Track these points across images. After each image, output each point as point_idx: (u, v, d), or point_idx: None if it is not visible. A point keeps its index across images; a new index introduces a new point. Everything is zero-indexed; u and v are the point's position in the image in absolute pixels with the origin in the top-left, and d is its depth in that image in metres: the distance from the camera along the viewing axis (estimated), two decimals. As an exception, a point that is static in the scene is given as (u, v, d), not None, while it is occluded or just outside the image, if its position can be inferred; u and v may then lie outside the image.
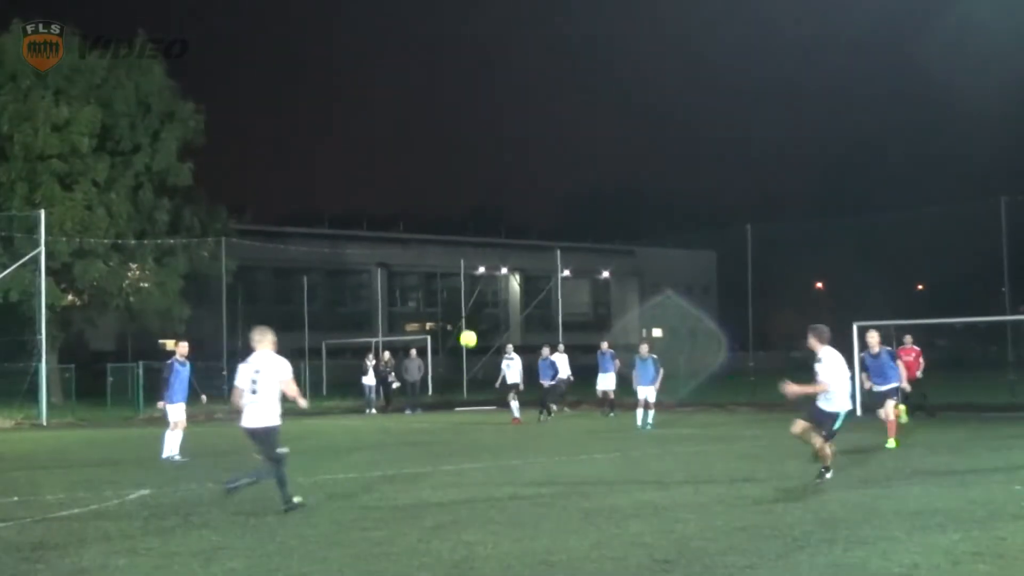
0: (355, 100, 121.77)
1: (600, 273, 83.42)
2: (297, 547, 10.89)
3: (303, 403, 13.75)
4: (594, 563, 9.87)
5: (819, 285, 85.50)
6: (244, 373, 13.32)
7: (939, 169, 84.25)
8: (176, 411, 20.79)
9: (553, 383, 31.91)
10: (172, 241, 47.13)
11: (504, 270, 75.44)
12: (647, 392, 26.93)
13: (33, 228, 38.67)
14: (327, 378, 50.50)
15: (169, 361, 21.15)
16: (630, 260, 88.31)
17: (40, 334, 36.90)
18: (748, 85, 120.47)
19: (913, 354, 29.14)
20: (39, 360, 36.50)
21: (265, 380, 13.18)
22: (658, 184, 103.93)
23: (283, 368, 13.28)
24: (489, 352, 50.16)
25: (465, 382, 48.14)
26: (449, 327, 61.88)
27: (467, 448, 23.23)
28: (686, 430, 26.67)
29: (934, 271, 73.47)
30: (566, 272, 55.61)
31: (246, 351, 14.03)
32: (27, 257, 38.71)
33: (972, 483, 14.83)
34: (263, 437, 13.18)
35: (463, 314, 52.83)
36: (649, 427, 26.44)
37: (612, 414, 32.54)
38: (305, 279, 55.54)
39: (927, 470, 16.42)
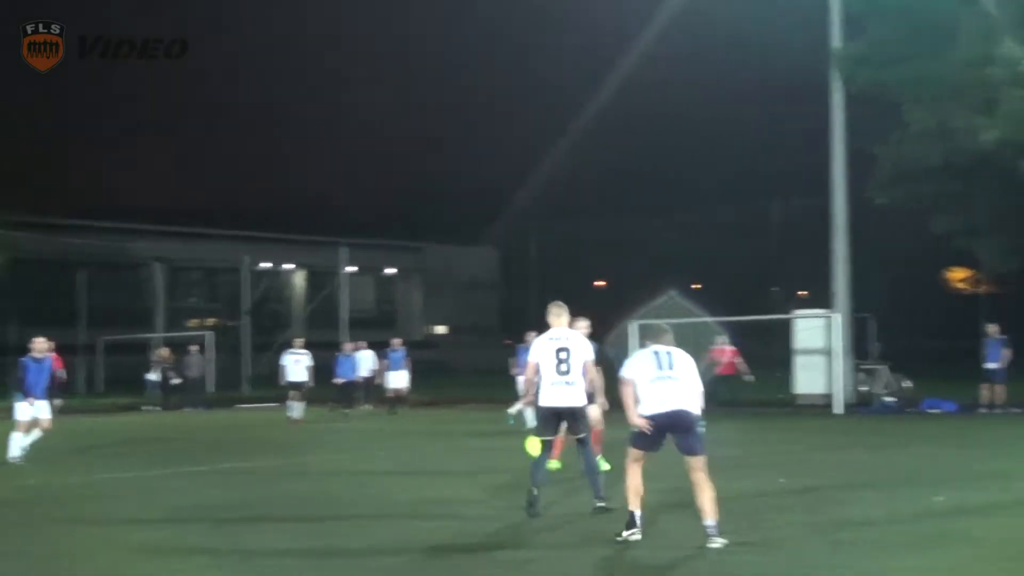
0: (137, 92, 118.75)
1: (385, 269, 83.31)
2: (67, 550, 10.59)
3: None
4: (376, 555, 9.90)
5: (600, 283, 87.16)
6: None
7: (713, 172, 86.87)
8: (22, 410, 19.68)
9: (352, 380, 31.53)
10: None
11: (288, 265, 74.68)
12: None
13: None
14: (105, 375, 49.16)
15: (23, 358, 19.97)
16: (415, 257, 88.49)
17: None
18: (532, 87, 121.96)
19: (727, 354, 30.06)
20: None
21: None
22: (444, 182, 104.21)
23: None
24: (272, 348, 49.58)
25: (247, 379, 47.47)
26: (231, 323, 60.91)
27: (248, 446, 22.95)
28: (468, 425, 26.90)
29: (709, 270, 75.79)
30: (351, 268, 55.37)
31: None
32: None
33: (741, 476, 15.37)
34: None
35: (245, 309, 52.08)
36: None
37: (395, 412, 32.24)
38: (82, 274, 53.85)
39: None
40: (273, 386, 33.90)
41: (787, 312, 38.01)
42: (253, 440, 24.53)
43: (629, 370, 10.75)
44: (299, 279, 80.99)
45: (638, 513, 10.44)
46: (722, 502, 12.41)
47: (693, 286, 73.85)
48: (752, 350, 30.66)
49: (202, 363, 39.28)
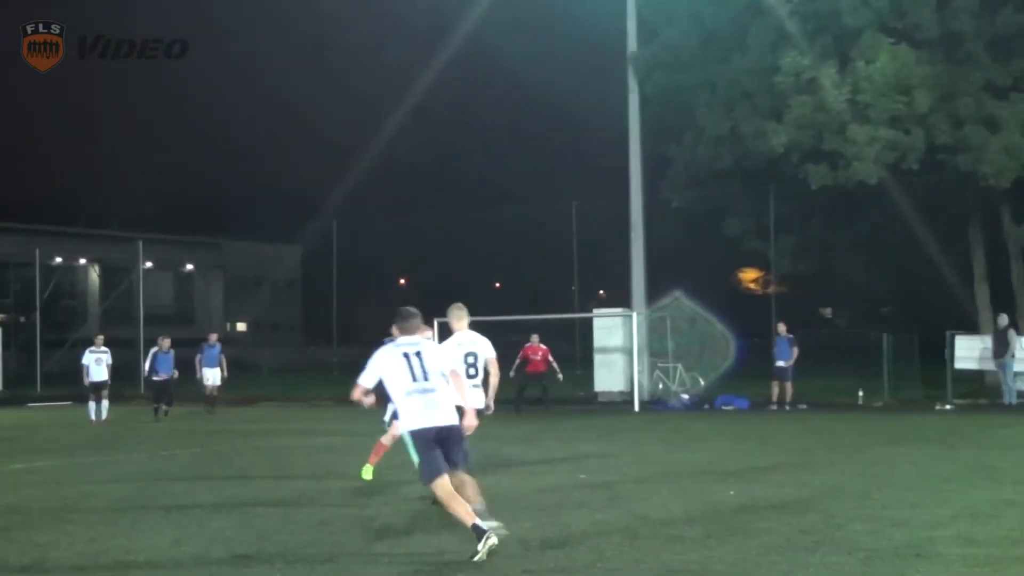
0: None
1: (184, 266, 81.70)
2: None
3: None
4: (173, 560, 9.78)
5: (403, 281, 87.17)
6: None
7: (515, 172, 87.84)
8: None
9: (169, 378, 29.61)
10: None
11: (83, 261, 72.57)
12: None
13: None
14: None
15: None
16: (215, 253, 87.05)
17: None
18: (341, 86, 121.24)
19: (540, 353, 30.38)
20: None
21: None
22: (244, 177, 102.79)
23: None
24: (66, 345, 48.14)
25: (39, 377, 46.00)
26: (22, 319, 58.96)
27: (41, 446, 22.30)
28: (269, 424, 26.66)
29: (511, 270, 76.53)
30: (148, 264, 54.17)
31: None
32: None
33: (541, 473, 15.64)
34: None
35: (37, 306, 50.45)
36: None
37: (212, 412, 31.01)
38: None
39: (500, 461, 17.14)
40: (70, 384, 32.88)
41: (587, 311, 38.72)
42: (44, 440, 23.84)
43: (377, 372, 10.17)
44: (94, 275, 78.74)
45: (478, 521, 9.63)
46: (524, 498, 12.67)
47: (495, 285, 74.66)
48: (553, 349, 31.09)
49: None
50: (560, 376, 30.80)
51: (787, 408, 28.85)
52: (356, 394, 10.23)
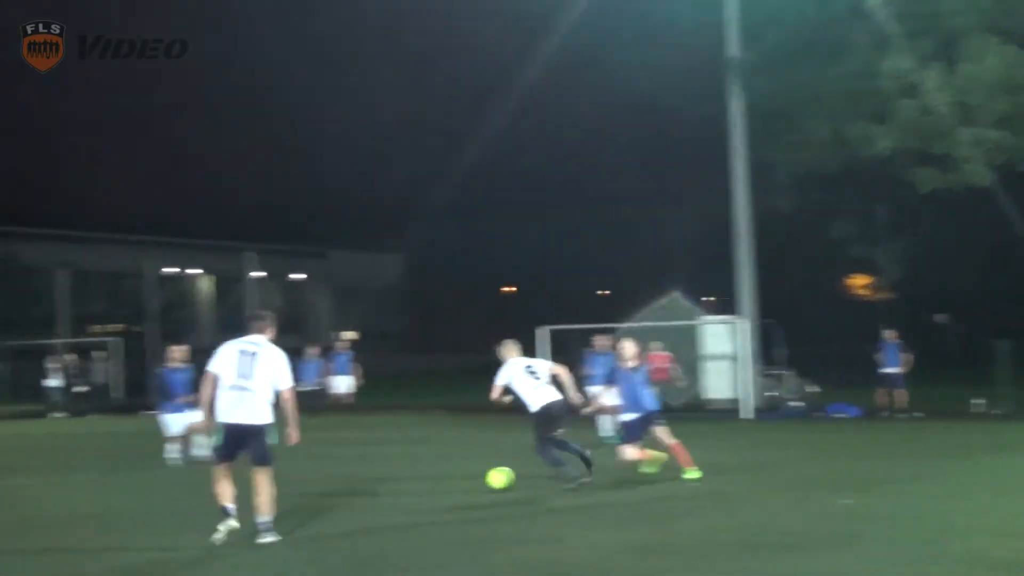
0: (32, 91, 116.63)
1: (291, 275, 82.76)
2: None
3: None
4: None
5: (507, 289, 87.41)
6: None
7: (620, 178, 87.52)
8: None
9: (316, 387, 29.09)
10: None
11: (194, 271, 73.92)
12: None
13: None
14: (9, 382, 48.30)
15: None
16: (322, 262, 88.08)
17: None
18: (438, 91, 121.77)
19: (660, 360, 30.38)
20: None
21: None
22: (348, 186, 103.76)
23: None
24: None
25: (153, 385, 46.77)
26: (137, 329, 60.20)
27: (156, 453, 22.74)
28: (383, 433, 26.87)
29: (616, 276, 76.34)
30: (258, 274, 55.02)
31: None
32: None
33: (652, 481, 15.60)
34: None
35: (151, 315, 51.51)
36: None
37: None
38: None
39: (610, 469, 17.17)
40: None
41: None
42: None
43: (215, 363, 11.10)
44: (205, 284, 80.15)
45: (230, 506, 10.94)
46: (634, 506, 12.67)
47: (600, 292, 74.63)
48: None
49: (107, 369, 38.80)
50: (682, 384, 30.58)
51: (900, 416, 28.39)
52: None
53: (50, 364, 38.42)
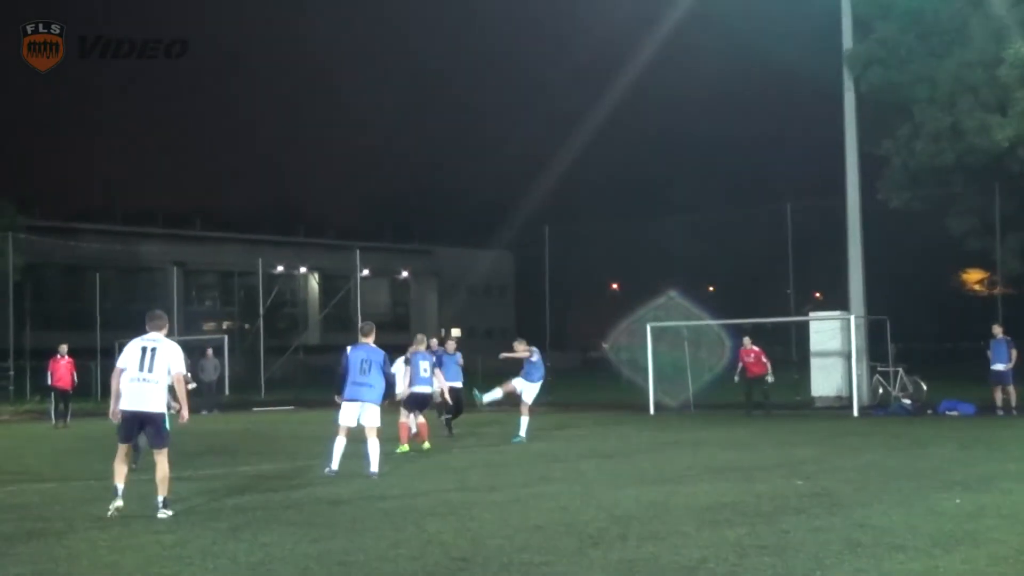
0: (147, 93, 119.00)
1: (399, 273, 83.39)
2: (86, 551, 10.62)
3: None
4: (391, 562, 9.90)
5: (614, 286, 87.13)
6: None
7: (728, 174, 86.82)
8: None
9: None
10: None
11: (302, 269, 74.82)
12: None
13: None
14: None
15: None
16: (428, 260, 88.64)
17: None
18: (542, 89, 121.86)
19: (753, 355, 30.11)
20: None
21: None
22: (455, 184, 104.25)
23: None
24: (287, 352, 49.62)
25: (263, 382, 47.54)
26: (246, 326, 61.05)
27: (265, 449, 22.97)
28: (483, 429, 26.87)
29: (724, 273, 75.71)
30: (365, 271, 55.46)
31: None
32: None
33: (758, 479, 15.35)
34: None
35: (260, 313, 52.18)
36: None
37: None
38: (97, 276, 53.86)
39: (716, 467, 16.96)
40: (292, 389, 33.71)
41: (802, 314, 37.98)
42: (273, 442, 24.55)
43: (122, 359, 12.73)
44: (313, 282, 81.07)
45: (120, 487, 12.57)
46: (740, 504, 12.45)
47: (708, 287, 74.01)
48: (768, 352, 30.69)
49: (218, 366, 39.38)
50: (770, 378, 30.30)
51: (1014, 413, 27.70)
52: None
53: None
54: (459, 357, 25.97)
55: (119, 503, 12.54)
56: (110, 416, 12.85)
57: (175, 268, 70.21)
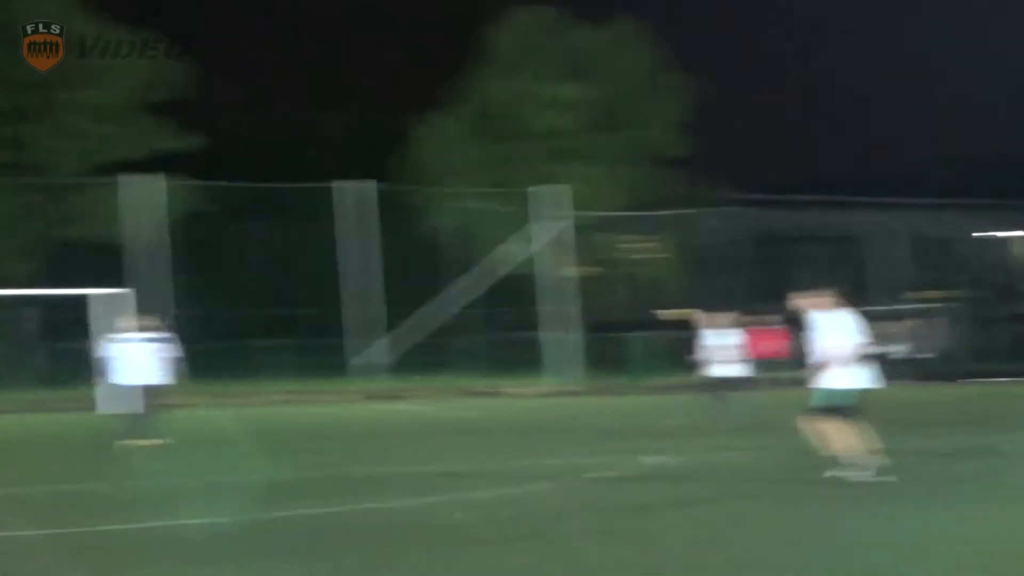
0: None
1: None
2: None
3: None
4: None
5: None
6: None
7: None
8: None
9: None
10: (672, 213, 47.37)
11: (1015, 233, 70.79)
12: None
13: (526, 204, 42.83)
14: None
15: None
16: None
17: (569, 306, 41.62)
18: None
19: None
20: (565, 329, 40.80)
21: None
22: None
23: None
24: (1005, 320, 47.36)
25: (980, 352, 45.29)
26: (959, 295, 59.03)
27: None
28: None
29: None
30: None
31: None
32: (556, 231, 42.46)
33: None
34: None
35: (969, 281, 50.27)
36: None
37: None
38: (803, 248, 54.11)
39: None
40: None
41: None
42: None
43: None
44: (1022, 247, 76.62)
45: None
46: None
47: None
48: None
49: (936, 336, 38.93)
50: None
51: None
52: None
53: (892, 330, 39.13)
54: None
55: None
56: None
57: (887, 237, 69.17)
